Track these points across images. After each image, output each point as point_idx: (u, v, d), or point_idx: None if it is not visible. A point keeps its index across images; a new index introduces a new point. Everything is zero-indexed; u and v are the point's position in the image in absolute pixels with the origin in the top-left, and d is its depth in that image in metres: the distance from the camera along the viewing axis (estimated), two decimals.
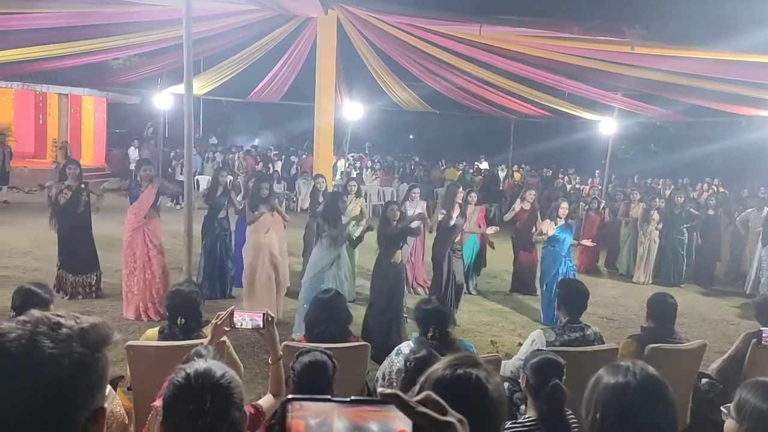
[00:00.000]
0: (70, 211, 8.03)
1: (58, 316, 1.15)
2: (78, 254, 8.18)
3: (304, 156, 22.56)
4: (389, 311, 6.80)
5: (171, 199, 16.95)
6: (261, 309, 3.14)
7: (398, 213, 7.16)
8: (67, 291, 8.11)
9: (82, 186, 8.21)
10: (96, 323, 1.17)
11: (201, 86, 15.04)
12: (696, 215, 11.72)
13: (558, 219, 8.28)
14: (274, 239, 7.82)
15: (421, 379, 1.67)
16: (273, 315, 3.09)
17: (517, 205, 9.91)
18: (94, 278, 8.30)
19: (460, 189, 8.49)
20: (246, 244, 7.88)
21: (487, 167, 23.45)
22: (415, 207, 9.25)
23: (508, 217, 9.97)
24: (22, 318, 1.14)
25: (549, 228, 8.25)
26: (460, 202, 8.33)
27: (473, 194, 9.11)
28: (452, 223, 7.87)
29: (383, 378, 3.92)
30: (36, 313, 1.15)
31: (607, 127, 15.52)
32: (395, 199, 18.60)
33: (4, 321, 1.16)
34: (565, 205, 8.35)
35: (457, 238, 8.00)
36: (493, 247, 9.64)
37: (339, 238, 6.90)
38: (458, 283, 7.94)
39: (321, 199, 8.84)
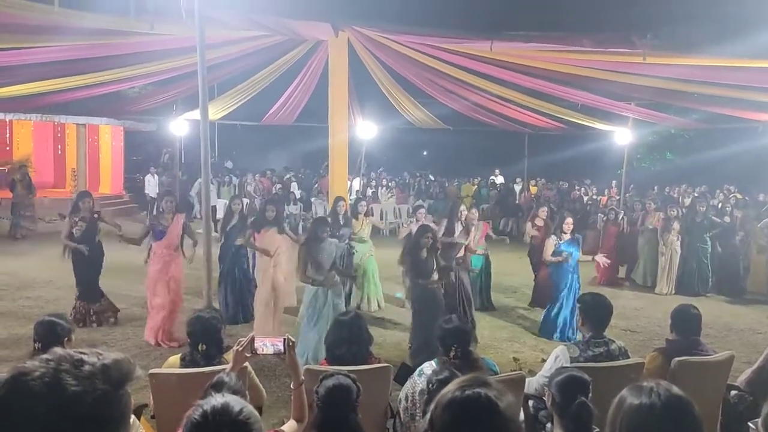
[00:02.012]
0: (85, 243, 7.99)
1: (80, 353, 1.16)
2: (95, 283, 8.20)
3: (320, 177, 22.64)
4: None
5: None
6: (282, 334, 3.13)
7: (431, 242, 7.02)
8: (90, 321, 8.08)
9: (96, 216, 8.17)
10: (118, 359, 1.17)
11: (216, 111, 15.22)
12: (719, 223, 11.54)
13: (563, 234, 8.13)
14: (282, 261, 7.79)
15: (431, 406, 1.67)
16: (294, 340, 3.07)
17: (529, 228, 9.84)
18: (103, 306, 8.24)
19: (463, 206, 8.47)
20: (257, 267, 7.93)
21: (503, 181, 23.37)
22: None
23: (528, 238, 9.78)
24: (45, 356, 1.14)
25: (550, 246, 8.12)
26: (462, 219, 8.26)
27: (474, 210, 8.94)
28: (456, 239, 7.87)
29: (406, 399, 3.89)
30: (59, 350, 1.16)
31: (622, 137, 15.44)
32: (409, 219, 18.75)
33: (29, 353, 1.16)
34: (569, 220, 8.17)
35: (459, 253, 7.95)
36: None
37: (327, 281, 6.81)
38: (467, 295, 7.87)
39: (342, 223, 8.85)
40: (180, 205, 8.15)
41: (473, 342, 7.43)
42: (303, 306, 7.03)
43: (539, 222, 9.79)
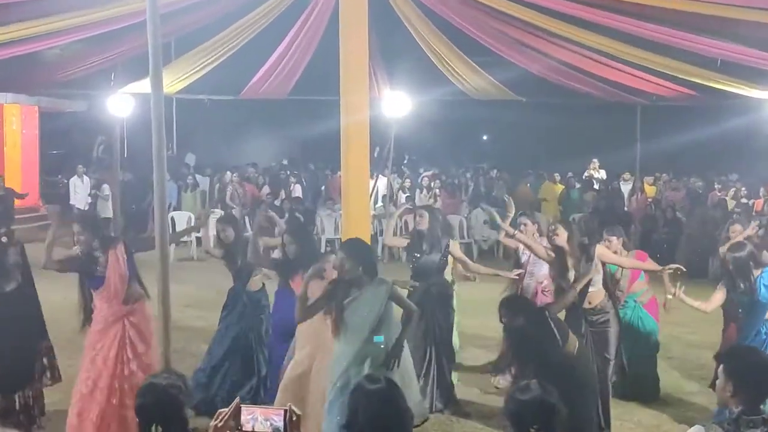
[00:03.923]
0: None
1: None
2: (9, 357, 7.38)
3: (329, 175, 22.72)
4: None
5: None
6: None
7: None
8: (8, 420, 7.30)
9: (3, 240, 7.46)
10: None
11: (173, 81, 15.36)
12: None
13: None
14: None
15: None
16: (299, 412, 3.11)
17: (725, 254, 8.43)
18: (30, 396, 7.58)
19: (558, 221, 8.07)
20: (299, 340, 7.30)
21: (604, 177, 23.18)
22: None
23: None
24: None
25: None
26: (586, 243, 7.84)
27: (615, 237, 8.49)
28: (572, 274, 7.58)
29: None
30: None
31: None
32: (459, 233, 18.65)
33: None
34: None
35: (596, 301, 7.65)
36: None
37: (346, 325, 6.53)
38: (601, 374, 7.49)
39: (424, 247, 8.56)
40: (104, 231, 7.62)
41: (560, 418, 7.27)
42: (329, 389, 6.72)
43: (740, 250, 8.17)
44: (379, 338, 6.47)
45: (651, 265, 8.67)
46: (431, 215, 8.71)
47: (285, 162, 25.71)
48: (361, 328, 6.51)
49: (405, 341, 6.78)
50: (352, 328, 6.51)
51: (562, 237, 7.71)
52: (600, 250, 7.80)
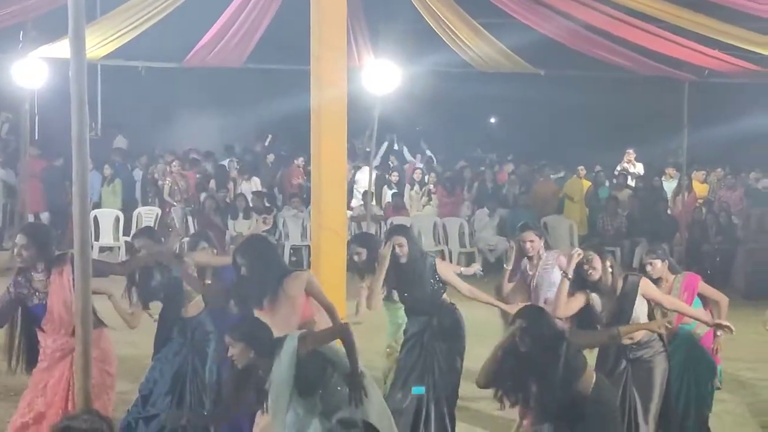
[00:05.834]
0: None
1: None
2: None
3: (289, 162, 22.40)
4: None
5: None
6: None
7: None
8: None
9: None
10: None
11: (98, 44, 15.29)
12: None
13: None
14: None
15: None
16: None
17: None
18: None
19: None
20: None
21: (641, 172, 23.17)
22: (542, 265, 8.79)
23: None
24: None
25: None
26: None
27: (659, 261, 8.42)
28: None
29: None
30: None
31: None
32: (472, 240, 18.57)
33: None
34: None
35: (639, 335, 7.58)
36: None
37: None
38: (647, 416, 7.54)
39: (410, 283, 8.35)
40: (49, 245, 7.29)
41: None
42: None
43: None
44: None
45: (702, 315, 8.37)
46: (410, 240, 8.45)
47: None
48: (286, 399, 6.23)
49: (359, 364, 6.49)
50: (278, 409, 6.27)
51: (598, 270, 7.58)
52: (645, 286, 7.67)
